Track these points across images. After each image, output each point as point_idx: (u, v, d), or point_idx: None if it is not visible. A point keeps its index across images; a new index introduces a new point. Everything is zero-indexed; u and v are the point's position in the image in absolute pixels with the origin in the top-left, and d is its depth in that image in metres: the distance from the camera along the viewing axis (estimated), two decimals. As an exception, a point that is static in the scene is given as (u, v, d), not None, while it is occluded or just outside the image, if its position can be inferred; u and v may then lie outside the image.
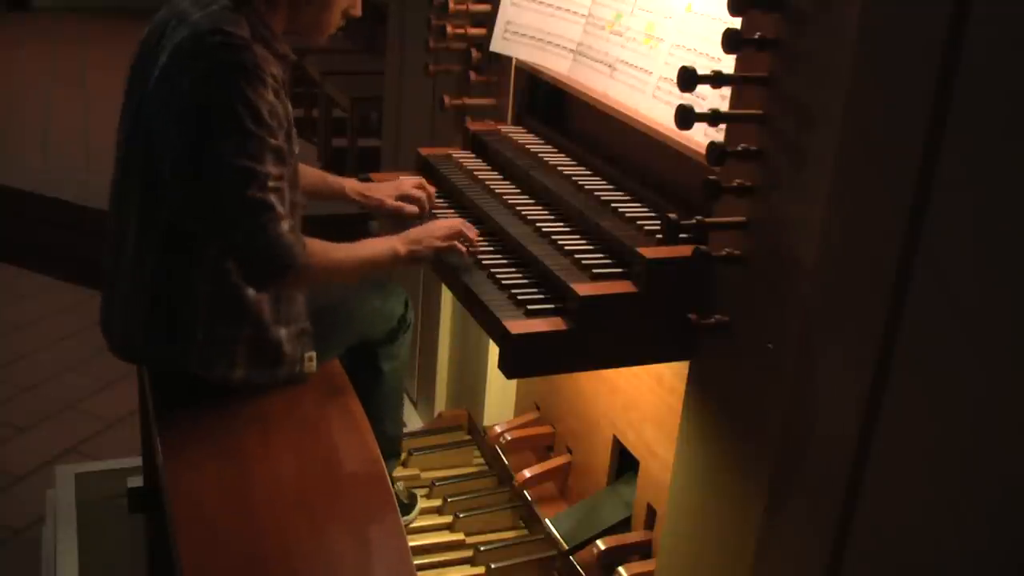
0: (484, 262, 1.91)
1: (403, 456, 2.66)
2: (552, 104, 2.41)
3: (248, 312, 1.95)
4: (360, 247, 1.96)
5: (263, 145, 1.77)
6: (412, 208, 2.19)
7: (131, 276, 1.97)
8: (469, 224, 1.99)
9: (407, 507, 2.50)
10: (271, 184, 1.79)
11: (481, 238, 1.99)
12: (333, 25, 1.99)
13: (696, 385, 1.73)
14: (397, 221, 2.19)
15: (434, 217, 2.16)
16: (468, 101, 2.53)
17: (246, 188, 1.76)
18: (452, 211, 2.20)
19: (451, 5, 2.50)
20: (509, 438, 2.53)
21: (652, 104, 1.93)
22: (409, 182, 2.26)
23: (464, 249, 1.93)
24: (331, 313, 2.16)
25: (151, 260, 1.93)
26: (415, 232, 1.99)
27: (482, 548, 2.33)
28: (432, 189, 2.25)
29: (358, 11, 2.01)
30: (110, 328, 2.07)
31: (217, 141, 1.76)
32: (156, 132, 1.85)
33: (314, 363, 2.08)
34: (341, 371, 2.16)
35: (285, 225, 1.80)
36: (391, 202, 2.20)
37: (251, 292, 1.94)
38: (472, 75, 2.53)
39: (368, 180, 2.32)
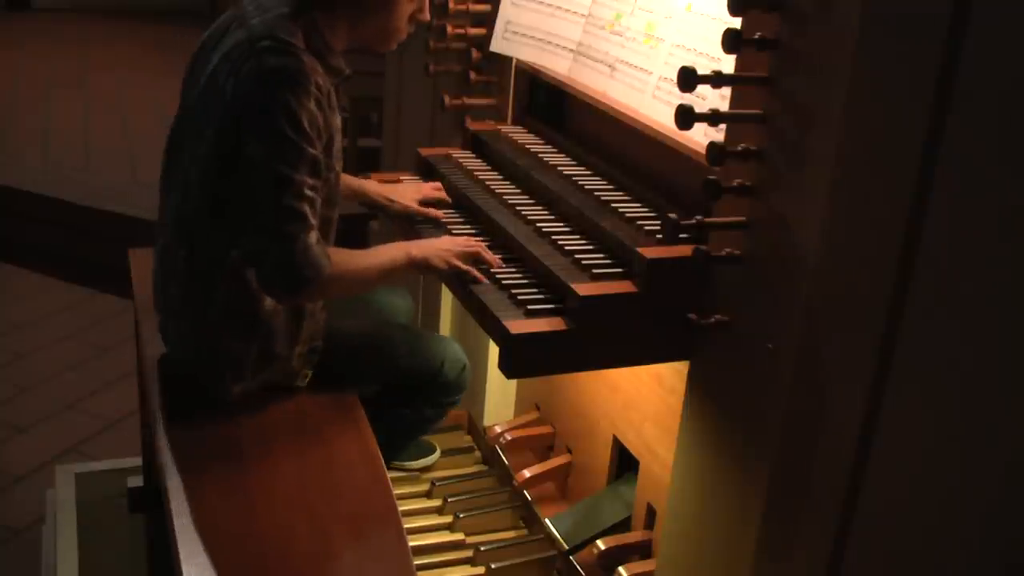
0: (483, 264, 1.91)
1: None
2: (552, 104, 2.41)
3: (263, 325, 1.93)
4: (376, 255, 1.93)
5: (300, 153, 1.75)
6: (438, 212, 2.17)
7: (170, 270, 1.97)
8: (487, 249, 1.91)
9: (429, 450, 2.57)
10: (306, 193, 1.76)
11: (500, 258, 1.91)
12: (402, 32, 1.97)
13: (696, 385, 1.73)
14: (406, 224, 2.19)
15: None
16: (468, 101, 2.53)
17: (280, 195, 1.74)
18: (452, 211, 2.20)
19: (451, 5, 2.50)
20: (509, 438, 2.53)
21: (652, 104, 1.93)
22: (428, 186, 2.25)
23: (480, 276, 1.84)
24: (366, 350, 2.13)
25: (182, 259, 1.93)
26: (432, 241, 1.96)
27: (482, 548, 2.32)
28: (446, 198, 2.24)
29: (426, 15, 1.99)
30: (157, 308, 2.08)
31: (254, 145, 1.74)
32: (196, 132, 1.86)
33: (307, 379, 2.07)
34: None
35: (313, 236, 1.78)
36: (416, 207, 2.19)
37: (268, 307, 1.92)
38: (472, 75, 2.53)
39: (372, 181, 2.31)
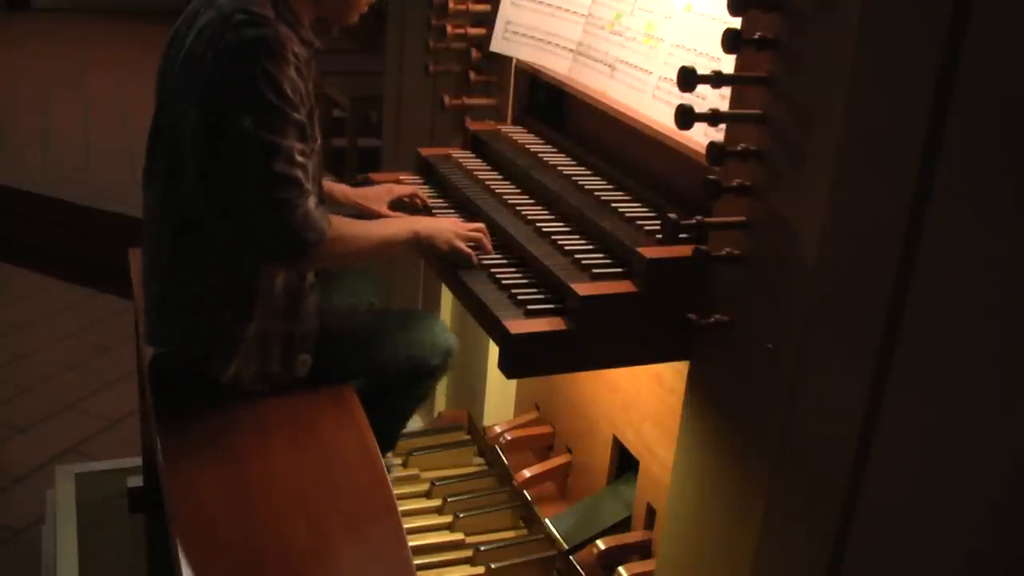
0: (484, 262, 1.91)
1: (403, 458, 2.67)
2: (552, 104, 2.41)
3: (255, 305, 1.94)
4: (381, 225, 1.96)
5: (285, 119, 1.76)
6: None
7: (155, 263, 1.98)
8: (487, 232, 1.96)
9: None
10: (296, 158, 1.77)
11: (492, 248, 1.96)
12: (362, 4, 1.99)
13: (696, 385, 1.73)
14: None
15: (431, 215, 2.16)
16: (468, 101, 2.53)
17: (270, 163, 1.75)
18: (452, 211, 2.20)
19: (451, 5, 2.50)
20: (509, 438, 2.53)
21: (652, 104, 1.93)
22: (400, 189, 2.25)
23: (475, 261, 1.89)
24: (355, 346, 2.13)
25: (169, 247, 1.93)
26: (437, 221, 1.99)
27: (482, 548, 2.33)
28: (426, 198, 2.24)
29: None
30: (146, 315, 2.08)
31: (238, 114, 1.75)
32: (178, 113, 1.86)
33: (307, 366, 2.07)
34: (341, 371, 2.16)
35: (312, 201, 1.80)
36: (387, 210, 2.19)
37: (262, 285, 1.93)
38: (472, 75, 2.53)
39: (362, 184, 2.31)
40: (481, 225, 1.96)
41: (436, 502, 2.54)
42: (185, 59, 1.85)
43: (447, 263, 1.93)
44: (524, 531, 2.49)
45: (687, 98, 1.72)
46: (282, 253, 1.84)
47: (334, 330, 2.09)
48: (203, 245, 1.90)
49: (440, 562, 2.34)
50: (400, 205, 2.22)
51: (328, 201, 2.21)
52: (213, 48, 1.78)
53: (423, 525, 2.46)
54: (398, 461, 2.66)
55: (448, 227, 1.94)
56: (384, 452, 2.24)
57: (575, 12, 2.25)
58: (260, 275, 1.92)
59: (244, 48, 1.75)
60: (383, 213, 2.18)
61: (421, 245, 1.94)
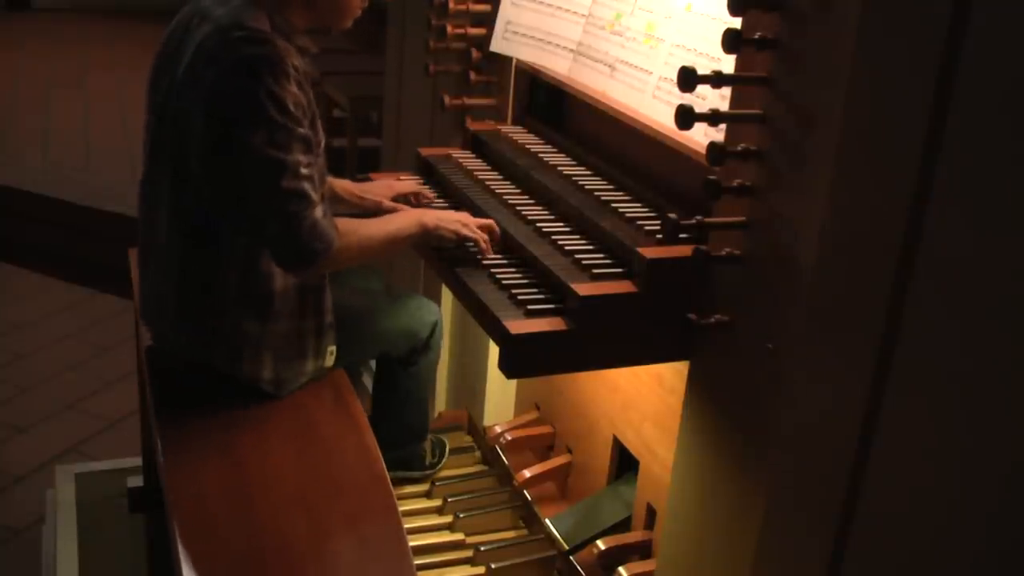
0: (484, 262, 1.91)
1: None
2: (552, 104, 2.41)
3: (276, 304, 1.96)
4: (387, 222, 1.98)
5: (290, 135, 1.78)
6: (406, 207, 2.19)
7: (163, 267, 1.98)
8: (496, 230, 1.97)
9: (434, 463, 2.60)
10: (302, 172, 1.80)
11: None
12: (356, 9, 2.00)
13: (696, 385, 1.73)
14: None
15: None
16: (468, 101, 2.53)
17: (278, 180, 1.77)
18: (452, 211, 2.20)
19: (451, 5, 2.50)
20: (509, 438, 2.53)
21: (652, 104, 1.93)
22: (402, 184, 2.26)
23: (486, 246, 1.92)
24: (354, 325, 2.16)
25: (180, 251, 1.94)
26: (443, 212, 2.01)
27: (482, 548, 2.32)
28: (430, 196, 2.25)
29: None
30: (148, 317, 2.09)
31: (244, 133, 1.76)
32: (183, 125, 1.87)
33: (334, 356, 2.08)
34: (342, 372, 2.16)
35: (319, 211, 1.82)
36: (388, 203, 2.21)
37: (279, 284, 1.95)
38: (472, 75, 2.53)
39: (366, 180, 2.33)
40: (491, 222, 1.96)
41: (436, 502, 2.54)
42: (185, 73, 1.86)
43: (449, 262, 1.93)
44: (524, 531, 2.49)
45: (687, 98, 1.72)
46: (291, 262, 1.87)
47: (342, 316, 2.11)
48: (218, 249, 1.91)
49: (440, 562, 2.34)
50: (401, 202, 2.22)
51: (330, 197, 2.23)
52: (215, 63, 1.79)
53: (423, 525, 2.46)
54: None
55: (455, 217, 1.96)
56: (419, 439, 2.46)
57: (575, 12, 2.25)
58: (276, 275, 1.94)
59: (245, 66, 1.77)
60: (384, 204, 2.20)
61: (429, 237, 1.96)
